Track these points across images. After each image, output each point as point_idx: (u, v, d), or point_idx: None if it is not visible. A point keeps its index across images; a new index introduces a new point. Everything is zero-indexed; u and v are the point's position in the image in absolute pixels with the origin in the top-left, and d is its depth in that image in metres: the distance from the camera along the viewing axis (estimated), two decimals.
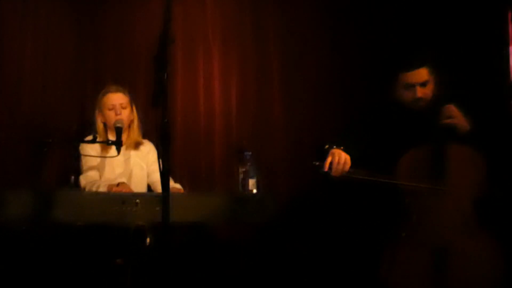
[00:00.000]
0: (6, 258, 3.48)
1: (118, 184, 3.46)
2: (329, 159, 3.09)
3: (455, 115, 3.19)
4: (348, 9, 4.33)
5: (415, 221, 3.10)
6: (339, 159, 3.08)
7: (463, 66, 3.88)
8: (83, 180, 3.60)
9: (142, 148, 3.80)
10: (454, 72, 3.45)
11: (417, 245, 3.06)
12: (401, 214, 3.16)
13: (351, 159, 3.10)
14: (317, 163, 3.13)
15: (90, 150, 3.66)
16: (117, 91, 3.72)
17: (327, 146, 3.17)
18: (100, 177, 3.66)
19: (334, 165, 3.07)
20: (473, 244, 3.04)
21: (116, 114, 3.65)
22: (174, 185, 3.69)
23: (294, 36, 4.31)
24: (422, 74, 3.27)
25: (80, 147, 3.69)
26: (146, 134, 3.85)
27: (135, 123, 3.77)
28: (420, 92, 3.25)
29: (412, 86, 3.26)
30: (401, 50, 3.98)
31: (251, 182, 3.45)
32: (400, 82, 3.30)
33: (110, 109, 3.67)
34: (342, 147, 3.12)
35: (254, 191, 3.45)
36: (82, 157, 3.67)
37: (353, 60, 4.29)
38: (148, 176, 3.80)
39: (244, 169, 3.49)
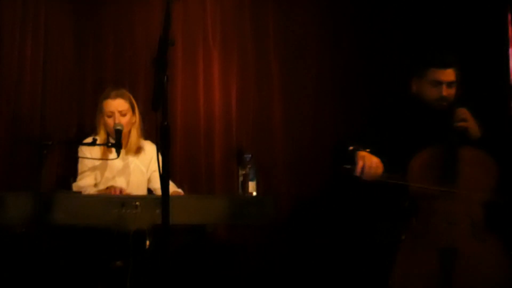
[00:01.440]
0: (6, 261, 3.48)
1: (107, 188, 3.44)
2: (360, 163, 3.01)
3: (468, 119, 3.18)
4: (347, 10, 4.33)
5: (415, 224, 3.09)
6: (371, 163, 3.01)
7: (464, 68, 3.88)
8: (75, 188, 3.60)
9: (143, 152, 3.76)
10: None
11: (424, 247, 3.04)
12: (401, 217, 3.15)
13: (383, 162, 3.04)
14: (349, 167, 3.03)
15: (88, 153, 3.65)
16: (116, 96, 3.64)
17: (351, 148, 3.08)
18: (100, 179, 3.65)
19: (367, 169, 2.99)
20: (482, 248, 3.01)
21: (115, 122, 3.58)
22: (176, 190, 3.69)
23: (294, 38, 4.31)
24: (451, 74, 3.25)
25: (79, 149, 3.69)
26: (147, 134, 3.84)
27: (137, 126, 3.72)
28: (446, 91, 3.23)
29: (439, 83, 3.23)
30: (429, 48, 3.95)
31: (251, 185, 3.45)
32: (428, 77, 3.26)
33: (109, 116, 3.62)
34: (368, 150, 3.05)
35: (254, 193, 3.45)
36: (80, 160, 3.66)
37: (354, 61, 4.29)
38: (149, 182, 3.78)
39: (244, 172, 3.49)
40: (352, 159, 3.04)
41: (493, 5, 4.03)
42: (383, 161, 3.04)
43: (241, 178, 3.51)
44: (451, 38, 4.05)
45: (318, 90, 4.28)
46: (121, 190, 3.43)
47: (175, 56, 4.10)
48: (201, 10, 4.23)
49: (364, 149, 3.06)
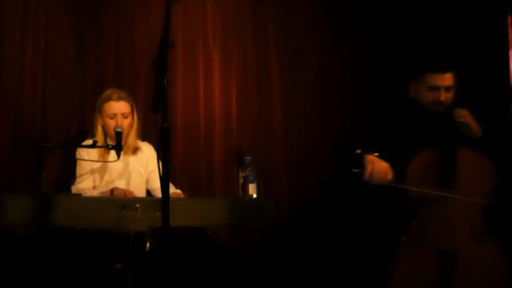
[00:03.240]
0: (6, 263, 3.48)
1: (112, 192, 3.44)
2: (370, 167, 2.99)
3: (468, 117, 3.17)
4: (348, 12, 4.33)
5: (416, 226, 3.09)
6: (380, 167, 3.00)
7: (464, 71, 3.88)
8: (74, 191, 3.59)
9: (141, 153, 3.76)
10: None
11: (423, 249, 3.04)
12: (401, 219, 3.15)
13: (392, 168, 3.03)
14: (357, 171, 3.01)
15: (85, 155, 3.64)
16: (119, 99, 3.63)
17: (359, 151, 3.06)
18: (99, 182, 3.65)
19: (375, 174, 2.98)
20: (481, 251, 3.02)
21: (117, 124, 3.58)
22: (175, 191, 3.68)
23: (294, 40, 4.31)
24: (449, 78, 3.24)
25: (76, 152, 3.68)
26: (146, 137, 3.84)
27: (134, 127, 3.71)
28: (443, 95, 3.23)
29: (437, 88, 3.23)
30: (427, 52, 3.95)
31: (251, 187, 3.46)
32: (425, 82, 3.26)
33: (111, 118, 3.61)
34: (377, 154, 3.04)
35: (254, 195, 3.45)
36: (78, 162, 3.66)
37: (355, 63, 4.29)
38: (148, 182, 3.77)
39: (244, 174, 3.50)
40: (359, 162, 3.02)
41: (493, 7, 4.02)
42: (392, 166, 3.03)
43: (241, 180, 3.52)
44: (451, 40, 4.05)
45: (319, 92, 4.28)
46: (125, 193, 3.43)
47: (175, 58, 4.09)
48: (201, 12, 4.23)
49: (372, 153, 3.05)
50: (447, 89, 3.24)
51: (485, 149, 3.13)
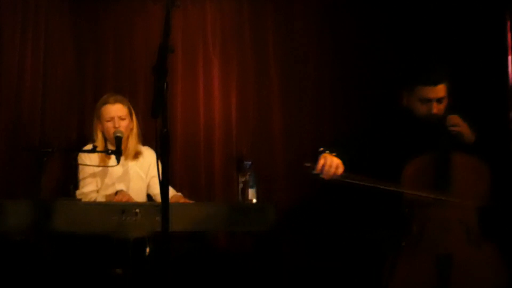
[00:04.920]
0: (5, 269, 3.47)
1: (116, 193, 3.44)
2: (321, 162, 3.04)
3: (460, 124, 3.17)
4: (348, 18, 4.33)
5: (415, 231, 3.09)
6: (331, 162, 3.04)
7: (462, 76, 3.88)
8: (79, 195, 3.59)
9: (142, 158, 3.77)
10: (456, 82, 3.43)
11: (420, 254, 3.04)
12: (401, 223, 3.15)
13: (345, 164, 3.06)
14: (309, 165, 3.08)
15: (87, 160, 3.65)
16: (115, 102, 3.66)
17: (321, 149, 3.12)
18: (100, 186, 3.66)
19: (326, 168, 3.03)
20: (477, 254, 3.01)
21: (115, 127, 3.61)
22: (175, 193, 3.69)
23: (293, 45, 4.31)
24: (441, 90, 3.21)
25: (78, 157, 3.69)
26: (146, 142, 3.84)
27: (134, 131, 3.73)
28: (436, 108, 3.20)
29: (428, 101, 3.21)
30: (419, 63, 3.95)
31: (251, 192, 3.46)
32: (416, 94, 3.23)
33: (108, 121, 3.63)
34: (334, 153, 3.08)
35: (254, 200, 3.45)
36: (80, 167, 3.67)
37: (354, 68, 4.29)
38: (149, 187, 3.79)
39: (243, 179, 3.50)
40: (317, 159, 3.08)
41: (492, 12, 4.03)
42: (345, 164, 3.07)
43: (241, 185, 3.52)
44: (450, 46, 4.05)
45: (318, 97, 4.28)
46: (128, 198, 3.44)
47: (175, 63, 4.10)
48: (201, 18, 4.24)
49: (331, 152, 3.08)
50: (439, 100, 3.21)
51: (479, 154, 3.13)
